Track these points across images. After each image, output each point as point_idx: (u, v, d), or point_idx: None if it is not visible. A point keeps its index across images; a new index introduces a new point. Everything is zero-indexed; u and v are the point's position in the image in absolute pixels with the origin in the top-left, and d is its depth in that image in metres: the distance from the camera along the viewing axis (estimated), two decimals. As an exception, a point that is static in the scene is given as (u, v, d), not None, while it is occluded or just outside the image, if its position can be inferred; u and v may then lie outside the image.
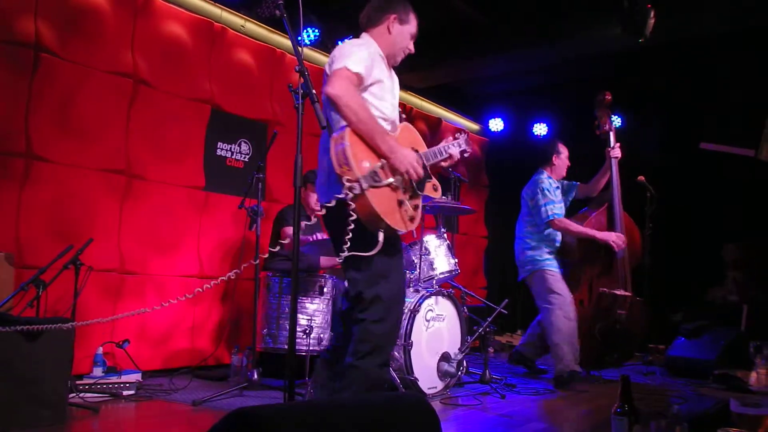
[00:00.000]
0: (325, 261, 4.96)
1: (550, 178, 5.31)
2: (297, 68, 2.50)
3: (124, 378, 3.96)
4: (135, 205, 4.68)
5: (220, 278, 2.54)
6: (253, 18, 5.63)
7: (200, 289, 2.55)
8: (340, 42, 5.60)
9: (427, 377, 4.23)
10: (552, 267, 5.14)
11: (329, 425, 1.56)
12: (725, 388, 2.96)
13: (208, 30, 5.23)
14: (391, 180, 2.74)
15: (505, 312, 4.86)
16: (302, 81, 2.51)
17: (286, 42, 5.89)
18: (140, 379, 4.06)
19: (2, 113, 4.00)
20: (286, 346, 4.20)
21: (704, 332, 5.89)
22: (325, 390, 2.99)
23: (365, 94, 2.84)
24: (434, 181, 3.07)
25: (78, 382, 3.76)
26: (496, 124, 8.50)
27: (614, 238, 5.16)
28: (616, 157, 5.39)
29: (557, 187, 5.31)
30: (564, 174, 5.44)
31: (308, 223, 4.87)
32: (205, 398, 3.82)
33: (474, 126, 8.62)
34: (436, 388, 4.28)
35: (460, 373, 4.35)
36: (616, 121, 7.80)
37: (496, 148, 8.72)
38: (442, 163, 3.18)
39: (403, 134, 2.99)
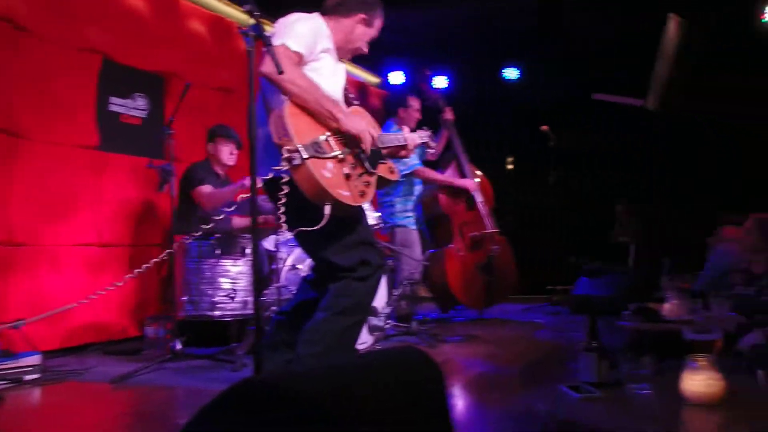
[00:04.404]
0: (238, 221, 4.74)
1: (399, 130, 5.37)
2: (246, 8, 2.28)
3: (23, 361, 3.56)
4: (20, 168, 4.19)
5: (153, 261, 2.31)
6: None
7: (139, 271, 2.30)
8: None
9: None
10: (411, 224, 5.43)
11: (342, 387, 1.44)
12: (641, 320, 3.09)
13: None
14: (337, 152, 2.62)
15: (427, 263, 4.91)
16: (253, 23, 2.29)
17: (181, -15, 5.48)
18: (41, 361, 3.69)
19: None
20: (208, 313, 3.99)
21: (603, 271, 6.22)
22: (278, 353, 2.85)
23: (305, 69, 2.69)
24: (390, 163, 2.97)
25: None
26: (396, 77, 8.43)
27: (470, 184, 5.69)
28: (450, 119, 5.80)
29: None
30: (413, 126, 5.50)
31: (218, 180, 4.69)
32: (124, 374, 3.54)
33: (374, 79, 8.50)
34: (366, 342, 4.23)
35: (387, 326, 4.33)
36: (514, 73, 8.00)
37: (394, 101, 8.64)
38: (402, 152, 3.10)
39: (354, 115, 2.83)
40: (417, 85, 6.04)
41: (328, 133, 2.63)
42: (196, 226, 4.37)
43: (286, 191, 2.47)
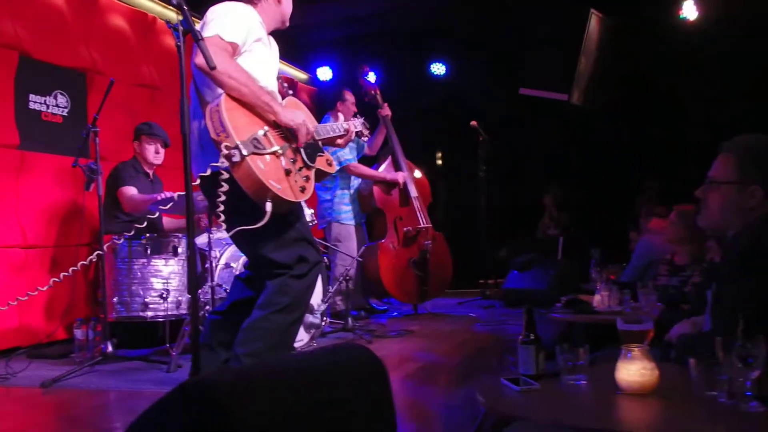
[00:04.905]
0: (167, 221, 4.64)
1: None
2: (174, 2, 2.22)
3: (-57, 368, 3.45)
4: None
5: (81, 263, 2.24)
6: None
7: (66, 274, 2.23)
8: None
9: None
10: (347, 220, 5.51)
11: (288, 385, 1.43)
12: (573, 312, 3.20)
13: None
14: (276, 148, 2.58)
15: (360, 260, 4.92)
16: (181, 17, 2.23)
17: (100, -20, 5.31)
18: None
19: None
20: (140, 314, 3.89)
21: (533, 264, 6.39)
22: (215, 353, 2.80)
23: (239, 60, 2.65)
24: (327, 155, 2.95)
25: None
26: (324, 73, 8.39)
27: (400, 177, 5.75)
28: (387, 115, 5.84)
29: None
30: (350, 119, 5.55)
31: (147, 180, 4.57)
32: (54, 378, 3.42)
33: (302, 75, 8.44)
34: (302, 340, 4.21)
35: (323, 323, 4.32)
36: (440, 69, 8.06)
37: (326, 97, 8.61)
38: (338, 140, 3.08)
39: (290, 108, 2.80)
40: (355, 80, 6.06)
41: (267, 128, 2.59)
42: (123, 225, 4.29)
43: (224, 188, 2.41)
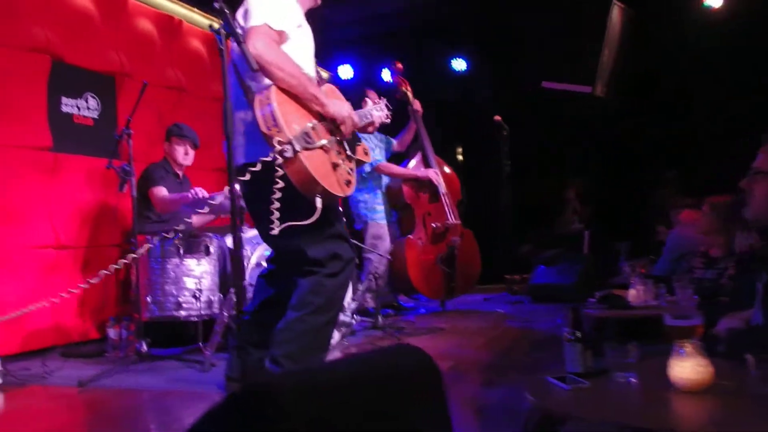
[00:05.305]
0: (196, 219, 4.67)
1: (365, 139, 5.43)
2: (216, 5, 2.23)
3: (-20, 366, 3.50)
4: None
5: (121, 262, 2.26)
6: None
7: (106, 272, 2.25)
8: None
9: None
10: (381, 219, 5.54)
11: (346, 390, 1.44)
12: (608, 307, 3.17)
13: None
14: (324, 141, 2.56)
15: (389, 258, 4.93)
16: (223, 21, 2.24)
17: (127, -16, 5.37)
18: (1, 366, 3.59)
19: None
20: (174, 313, 3.92)
21: (560, 259, 6.36)
22: (248, 354, 2.79)
23: (284, 47, 2.63)
24: (363, 144, 2.93)
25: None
26: (346, 71, 8.40)
27: (431, 174, 5.72)
28: (418, 111, 5.82)
29: (372, 135, 5.51)
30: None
31: (177, 180, 4.61)
32: (91, 378, 3.46)
33: (324, 74, 8.44)
34: (333, 338, 4.22)
35: (353, 321, 4.33)
36: (461, 64, 8.04)
37: (346, 97, 8.60)
38: (368, 128, 3.07)
39: (331, 97, 2.79)
40: (391, 76, 6.10)
41: (315, 121, 2.57)
42: (155, 225, 4.33)
43: (280, 185, 2.40)
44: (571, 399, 1.55)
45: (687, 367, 1.43)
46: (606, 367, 1.67)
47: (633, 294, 3.16)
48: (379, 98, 3.37)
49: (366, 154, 2.92)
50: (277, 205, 2.40)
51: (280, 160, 2.39)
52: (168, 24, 5.77)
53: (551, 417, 1.63)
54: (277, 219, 2.45)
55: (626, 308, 3.05)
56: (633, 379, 1.57)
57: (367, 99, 5.28)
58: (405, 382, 1.49)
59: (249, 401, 1.31)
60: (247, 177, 2.38)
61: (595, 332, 3.29)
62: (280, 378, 1.37)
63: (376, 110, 3.16)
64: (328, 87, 2.89)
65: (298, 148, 2.41)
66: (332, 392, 1.41)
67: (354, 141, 2.79)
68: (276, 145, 2.39)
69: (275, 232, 2.44)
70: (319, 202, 2.50)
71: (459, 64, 8.10)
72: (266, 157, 2.40)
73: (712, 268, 3.26)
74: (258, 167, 2.38)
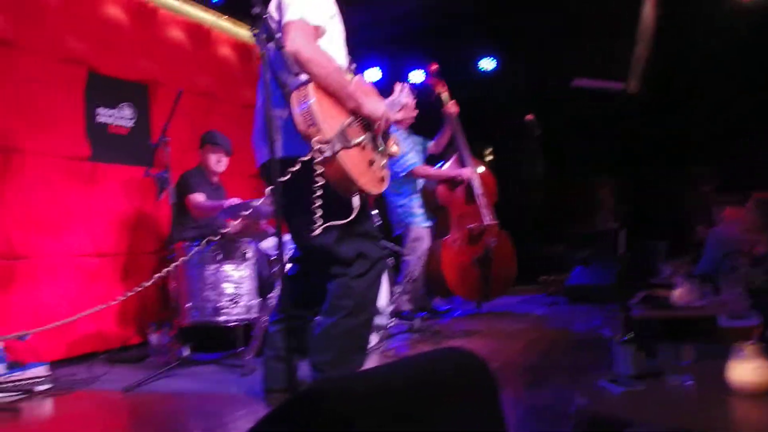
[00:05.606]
0: (234, 225, 4.71)
1: (396, 130, 5.39)
2: (255, 11, 2.24)
3: (31, 372, 3.57)
4: (15, 182, 4.16)
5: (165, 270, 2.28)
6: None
7: (154, 279, 2.28)
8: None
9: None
10: (422, 222, 5.52)
11: (402, 394, 1.44)
12: (653, 307, 3.11)
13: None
14: (361, 138, 2.54)
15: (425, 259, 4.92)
16: (263, 25, 2.24)
17: (157, -6, 5.45)
18: (49, 372, 3.66)
19: None
20: (213, 318, 3.96)
21: (595, 259, 6.28)
22: (284, 362, 2.74)
23: (320, 41, 2.61)
24: (394, 136, 2.89)
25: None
26: (374, 74, 8.39)
27: (467, 173, 5.69)
28: (454, 113, 5.74)
29: (406, 137, 5.50)
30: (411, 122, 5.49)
31: (211, 187, 4.66)
32: (136, 383, 3.51)
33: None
34: (370, 341, 4.23)
35: (390, 324, 4.33)
36: (489, 64, 7.99)
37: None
38: (400, 117, 3.04)
39: (365, 93, 2.74)
40: (424, 79, 6.06)
41: (351, 118, 2.55)
42: (192, 231, 4.38)
43: (321, 183, 2.39)
44: (626, 402, 1.52)
45: (748, 370, 1.40)
46: (659, 369, 1.64)
47: (678, 294, 3.09)
48: (403, 83, 3.26)
49: (396, 146, 2.88)
50: (317, 203, 2.39)
51: (319, 158, 2.37)
52: (197, 32, 5.84)
53: (603, 420, 1.61)
54: (319, 218, 2.43)
55: (672, 309, 3.00)
56: (689, 382, 1.54)
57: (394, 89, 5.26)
58: (459, 386, 1.48)
59: (304, 408, 1.32)
60: (287, 177, 2.36)
61: (645, 334, 3.24)
62: (334, 384, 1.37)
63: (403, 97, 3.10)
64: (358, 79, 2.83)
65: (337, 147, 2.40)
66: (387, 397, 1.41)
67: (386, 135, 2.76)
68: (315, 144, 2.37)
69: (317, 231, 2.42)
70: (356, 201, 2.50)
71: (487, 64, 8.04)
72: (305, 156, 2.38)
73: (757, 266, 3.19)
74: (297, 167, 2.37)
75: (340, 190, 2.50)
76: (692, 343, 2.06)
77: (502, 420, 1.43)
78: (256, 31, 2.29)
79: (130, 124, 5.05)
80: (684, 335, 2.43)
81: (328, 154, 2.37)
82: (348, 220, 2.48)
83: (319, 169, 2.38)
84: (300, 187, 2.43)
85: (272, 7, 2.61)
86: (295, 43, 2.40)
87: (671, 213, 6.89)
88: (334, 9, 2.73)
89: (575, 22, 7.23)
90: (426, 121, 5.71)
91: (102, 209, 4.75)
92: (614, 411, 1.54)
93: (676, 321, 2.92)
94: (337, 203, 2.51)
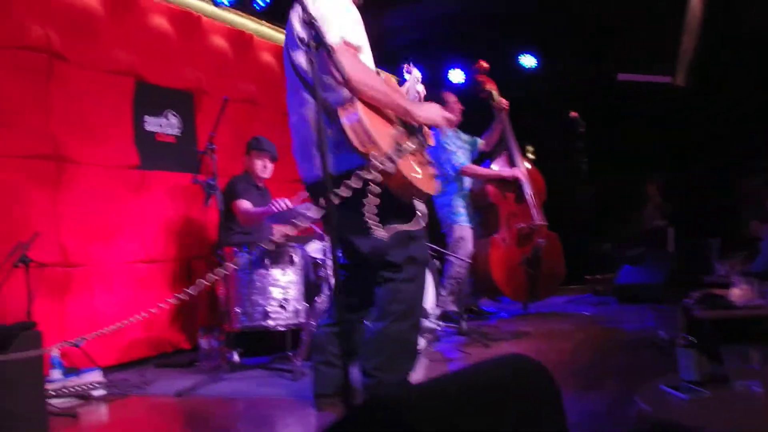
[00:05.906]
0: (279, 230, 4.74)
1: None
2: (304, 18, 2.24)
3: (87, 377, 3.65)
4: (68, 191, 4.27)
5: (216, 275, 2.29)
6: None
7: (204, 282, 2.30)
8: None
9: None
10: (465, 222, 5.45)
11: (465, 403, 1.42)
12: (709, 307, 3.02)
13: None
14: (412, 145, 2.55)
15: (470, 261, 4.89)
16: (313, 32, 2.23)
17: (201, 4, 5.52)
18: (103, 377, 3.75)
19: None
20: (262, 323, 3.99)
21: (644, 258, 6.16)
22: (335, 368, 2.78)
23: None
24: (426, 128, 2.86)
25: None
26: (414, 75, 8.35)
27: (518, 172, 5.68)
28: (504, 109, 5.67)
29: (456, 137, 5.51)
30: (459, 120, 5.46)
31: (258, 192, 4.70)
32: (188, 388, 3.57)
33: (392, 79, 8.46)
34: (419, 345, 4.21)
35: (438, 327, 4.30)
36: (530, 60, 7.91)
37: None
38: (451, 116, 3.03)
39: (423, 104, 2.79)
40: (472, 77, 6.04)
41: (399, 127, 2.56)
42: (239, 237, 4.43)
43: (377, 190, 2.40)
44: (693, 410, 1.48)
45: (821, 376, 1.35)
46: (724, 373, 1.58)
47: (737, 293, 3.00)
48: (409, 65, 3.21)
49: (430, 137, 2.83)
50: (374, 211, 2.41)
51: (380, 172, 2.38)
52: (239, 39, 5.91)
53: (667, 428, 1.57)
54: (380, 224, 2.45)
55: (733, 308, 2.91)
56: (757, 388, 1.49)
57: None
58: (519, 391, 1.46)
59: (374, 414, 1.31)
60: (343, 192, 2.34)
61: (711, 336, 3.15)
62: (395, 394, 1.37)
63: (418, 86, 3.07)
64: (388, 79, 2.77)
65: (396, 159, 2.41)
66: (454, 405, 1.40)
67: (422, 131, 2.75)
68: (373, 160, 2.38)
69: (385, 236, 2.45)
70: (422, 206, 2.51)
71: (528, 61, 7.96)
72: (362, 171, 2.37)
73: (820, 264, 3.08)
74: (354, 182, 2.34)
75: (401, 197, 2.51)
76: (757, 346, 1.99)
77: (564, 423, 1.41)
78: (305, 38, 2.27)
79: (176, 132, 5.13)
80: (743, 337, 2.35)
81: (390, 168, 2.39)
82: (412, 225, 2.47)
83: (378, 178, 2.39)
84: (356, 198, 2.41)
85: (296, 23, 2.59)
86: (345, 70, 2.38)
87: (722, 209, 6.71)
88: (358, 14, 2.71)
89: (617, 15, 7.09)
90: (471, 119, 5.71)
91: (151, 216, 4.84)
92: (679, 418, 1.50)
93: (736, 321, 2.84)
94: (399, 208, 2.53)
